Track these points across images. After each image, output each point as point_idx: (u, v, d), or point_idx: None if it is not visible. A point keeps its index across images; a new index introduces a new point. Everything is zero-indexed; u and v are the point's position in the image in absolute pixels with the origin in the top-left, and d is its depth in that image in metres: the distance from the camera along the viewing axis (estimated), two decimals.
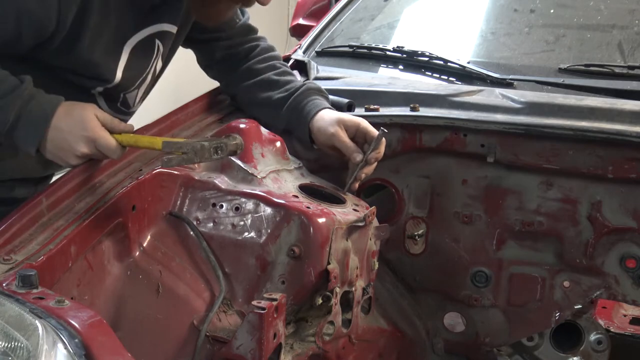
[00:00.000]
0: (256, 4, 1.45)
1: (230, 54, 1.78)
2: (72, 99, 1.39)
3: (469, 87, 1.88)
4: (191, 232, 1.43)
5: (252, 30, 1.81)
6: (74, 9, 1.36)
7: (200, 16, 1.53)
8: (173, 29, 1.57)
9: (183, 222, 1.44)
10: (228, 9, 1.50)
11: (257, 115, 1.67)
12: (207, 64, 1.82)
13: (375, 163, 1.63)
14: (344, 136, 1.61)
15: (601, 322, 1.85)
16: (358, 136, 1.62)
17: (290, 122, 1.69)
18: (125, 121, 1.63)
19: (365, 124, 1.62)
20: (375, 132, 1.59)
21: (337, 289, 1.44)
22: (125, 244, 1.35)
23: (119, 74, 1.51)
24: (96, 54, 1.44)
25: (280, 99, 1.71)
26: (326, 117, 1.65)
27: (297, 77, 1.86)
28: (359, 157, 1.59)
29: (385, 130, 1.58)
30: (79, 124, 1.34)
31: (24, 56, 1.41)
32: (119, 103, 1.60)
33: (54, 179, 1.40)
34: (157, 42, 1.55)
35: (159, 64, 1.62)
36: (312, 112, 1.66)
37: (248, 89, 1.76)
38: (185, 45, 1.75)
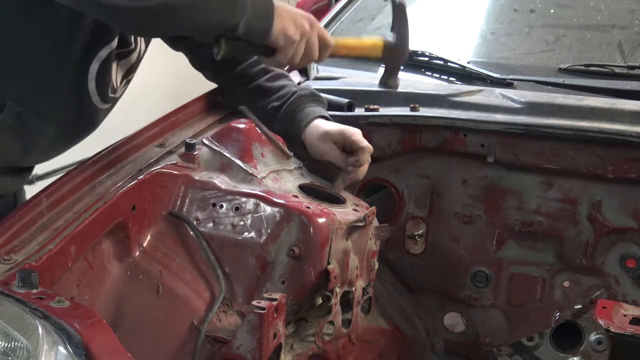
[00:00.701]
0: None
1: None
2: (70, 73, 1.38)
3: (469, 87, 1.88)
4: (191, 232, 1.43)
5: None
6: None
7: None
8: None
9: (183, 222, 1.44)
10: None
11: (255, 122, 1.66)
12: (201, 65, 1.78)
13: (359, 169, 1.60)
14: (334, 152, 1.60)
15: (601, 322, 1.85)
16: (347, 145, 1.60)
17: (285, 133, 1.66)
18: (108, 110, 1.59)
19: (349, 132, 1.59)
20: (358, 139, 1.58)
21: (337, 289, 1.44)
22: (125, 244, 1.35)
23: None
24: None
25: (272, 108, 1.69)
26: (315, 132, 1.63)
27: (295, 77, 1.85)
28: (344, 166, 1.59)
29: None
30: (296, 10, 1.46)
31: None
32: (111, 89, 1.54)
33: (53, 179, 1.39)
34: None
35: (143, 46, 1.58)
36: (303, 123, 1.64)
37: (244, 96, 1.75)
38: (174, 46, 1.72)
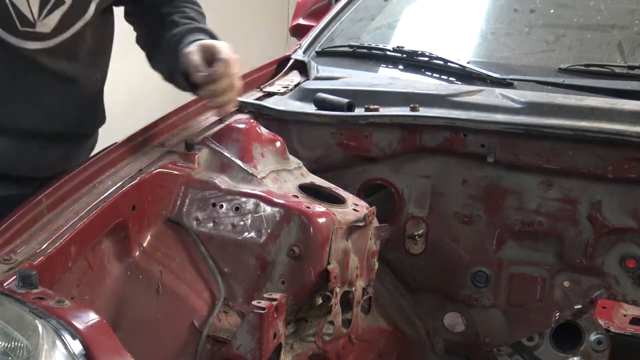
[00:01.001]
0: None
1: (154, 4, 1.67)
2: None
3: (469, 87, 1.88)
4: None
5: None
6: None
7: None
8: None
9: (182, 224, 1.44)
10: None
11: (155, 60, 1.59)
12: (133, 17, 1.71)
13: (222, 95, 1.48)
14: (193, 56, 1.47)
15: (601, 322, 1.85)
16: (212, 58, 1.49)
17: (172, 56, 1.55)
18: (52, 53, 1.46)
19: (219, 45, 1.48)
20: (224, 53, 1.46)
21: (337, 289, 1.44)
22: (125, 244, 1.35)
23: None
24: None
25: (172, 35, 1.59)
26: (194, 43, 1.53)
27: (295, 77, 1.83)
28: (199, 76, 1.46)
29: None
30: None
31: None
32: (16, 18, 1.41)
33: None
34: None
35: None
36: (190, 41, 1.52)
37: (154, 32, 1.65)
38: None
